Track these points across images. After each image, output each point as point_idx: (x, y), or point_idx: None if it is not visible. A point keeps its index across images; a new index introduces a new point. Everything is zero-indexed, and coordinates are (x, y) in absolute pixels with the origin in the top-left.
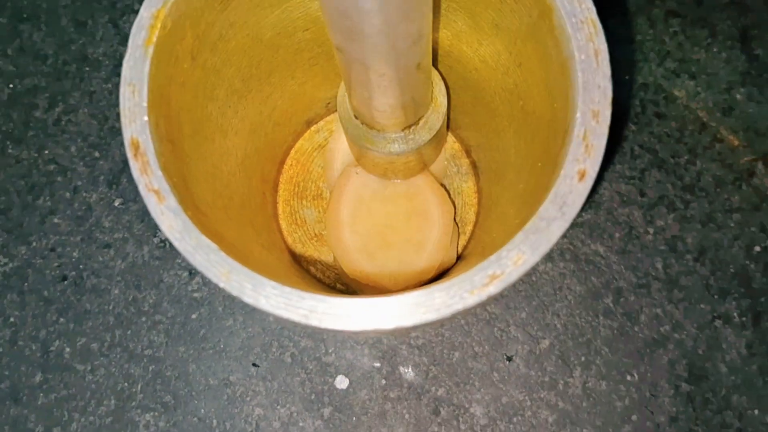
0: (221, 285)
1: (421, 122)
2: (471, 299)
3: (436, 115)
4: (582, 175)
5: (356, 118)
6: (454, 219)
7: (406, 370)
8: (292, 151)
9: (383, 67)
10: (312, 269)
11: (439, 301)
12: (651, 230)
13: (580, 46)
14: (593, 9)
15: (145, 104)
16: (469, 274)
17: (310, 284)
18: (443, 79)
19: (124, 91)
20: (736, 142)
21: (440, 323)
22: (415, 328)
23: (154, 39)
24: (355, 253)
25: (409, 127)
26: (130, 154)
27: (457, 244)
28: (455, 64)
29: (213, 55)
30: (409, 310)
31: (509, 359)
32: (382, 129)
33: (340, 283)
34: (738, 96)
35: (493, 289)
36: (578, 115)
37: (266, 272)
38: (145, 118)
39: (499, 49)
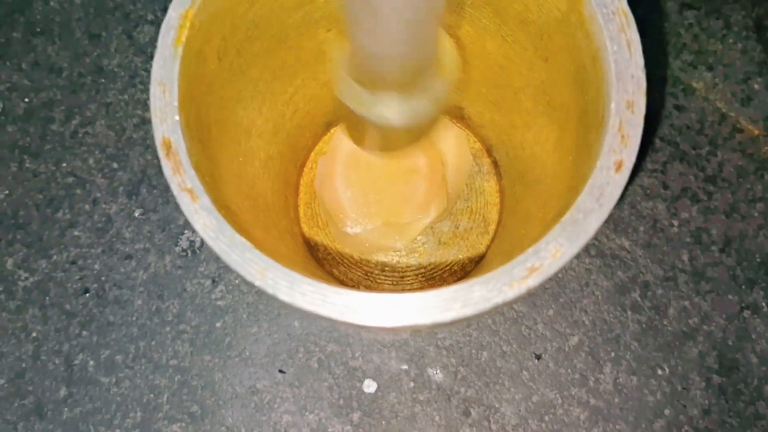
0: (257, 283)
1: (422, 88)
2: (510, 293)
3: (440, 83)
4: (619, 166)
5: (358, 83)
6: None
7: (435, 372)
8: (312, 154)
9: (386, 10)
10: (335, 272)
11: (478, 295)
12: (675, 223)
13: (613, 37)
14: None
15: (176, 103)
16: (507, 267)
17: (327, 282)
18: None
19: (155, 90)
20: (756, 132)
21: (477, 318)
22: (453, 323)
23: (183, 39)
24: (347, 207)
25: (413, 93)
26: (162, 154)
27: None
28: (478, 61)
29: (238, 57)
30: (447, 305)
31: (538, 357)
32: (377, 87)
33: (363, 285)
34: (756, 86)
35: (533, 281)
36: (612, 105)
37: (295, 268)
38: (177, 117)
39: (525, 44)
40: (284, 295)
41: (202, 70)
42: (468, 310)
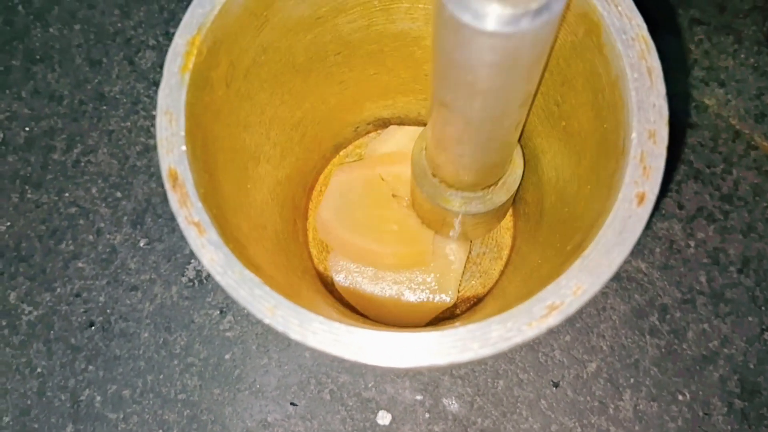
0: (266, 321)
1: (500, 182)
2: (530, 332)
3: (513, 177)
4: (641, 199)
5: (434, 176)
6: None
7: (450, 402)
8: (321, 177)
9: (488, 126)
10: (345, 298)
11: (496, 335)
12: (692, 243)
13: (633, 64)
14: (644, 26)
15: (182, 133)
16: (526, 305)
17: (344, 313)
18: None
19: (161, 120)
20: None
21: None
22: (471, 362)
23: (190, 66)
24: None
25: (489, 187)
26: (168, 186)
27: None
28: None
29: (246, 82)
30: (464, 345)
31: (556, 385)
32: (462, 188)
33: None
34: None
35: (553, 320)
36: (634, 135)
37: (306, 304)
38: (183, 147)
39: None
40: (295, 333)
41: (210, 97)
42: (486, 351)
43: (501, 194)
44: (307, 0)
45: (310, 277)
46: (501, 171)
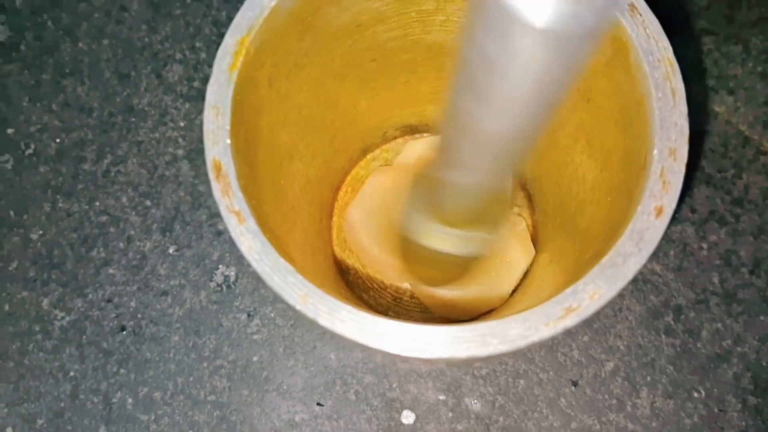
0: (298, 307)
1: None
2: (546, 331)
3: (500, 215)
4: (659, 212)
5: (430, 221)
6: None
7: (473, 401)
8: (348, 178)
9: (510, 136)
10: (364, 296)
11: (515, 333)
12: (705, 246)
13: (658, 84)
14: (670, 48)
15: (228, 127)
16: (545, 307)
17: (365, 311)
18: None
19: (209, 113)
20: None
21: (512, 354)
22: (490, 357)
23: (239, 65)
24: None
25: (481, 224)
26: (212, 176)
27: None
28: None
29: (287, 83)
30: (484, 340)
31: (575, 384)
32: (461, 225)
33: (391, 311)
34: None
35: (569, 322)
36: (656, 152)
37: (333, 295)
38: (228, 140)
39: None
40: (324, 320)
41: (254, 94)
42: (505, 347)
43: (489, 231)
44: (350, 8)
45: (333, 273)
46: (493, 210)
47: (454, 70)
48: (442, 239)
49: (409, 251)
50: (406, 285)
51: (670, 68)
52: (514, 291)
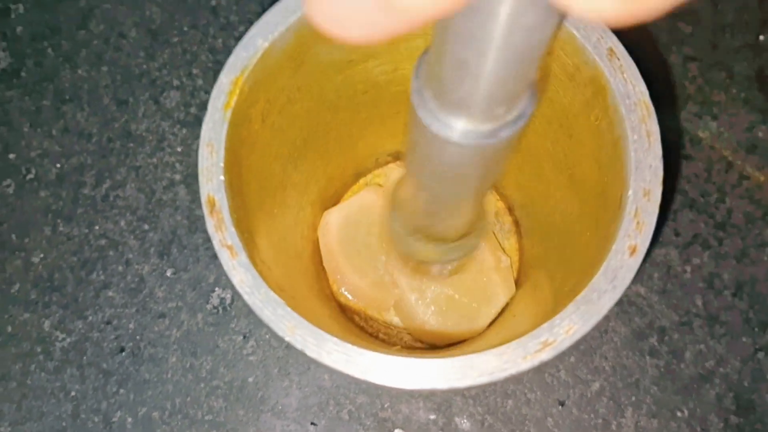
0: (287, 339)
1: (473, 231)
2: (524, 364)
3: (482, 222)
4: (633, 251)
5: (409, 235)
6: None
7: (462, 421)
8: (342, 201)
9: (469, 199)
10: (356, 318)
11: (493, 365)
12: (688, 268)
13: (633, 127)
14: (646, 92)
15: (221, 164)
16: (522, 341)
17: (356, 334)
18: None
19: (203, 151)
20: (762, 179)
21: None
22: (469, 388)
23: (233, 103)
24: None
25: (463, 236)
26: (206, 211)
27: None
28: None
29: (280, 117)
30: (464, 372)
31: (562, 404)
32: (436, 242)
33: (382, 333)
34: (760, 134)
35: (545, 356)
36: (630, 192)
37: (321, 324)
38: (222, 177)
39: (551, 119)
40: (311, 352)
41: (247, 131)
42: (483, 379)
43: (475, 239)
44: (342, 47)
45: (325, 296)
46: (474, 224)
47: (406, 154)
48: (425, 251)
49: (399, 259)
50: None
51: (646, 111)
52: (492, 323)
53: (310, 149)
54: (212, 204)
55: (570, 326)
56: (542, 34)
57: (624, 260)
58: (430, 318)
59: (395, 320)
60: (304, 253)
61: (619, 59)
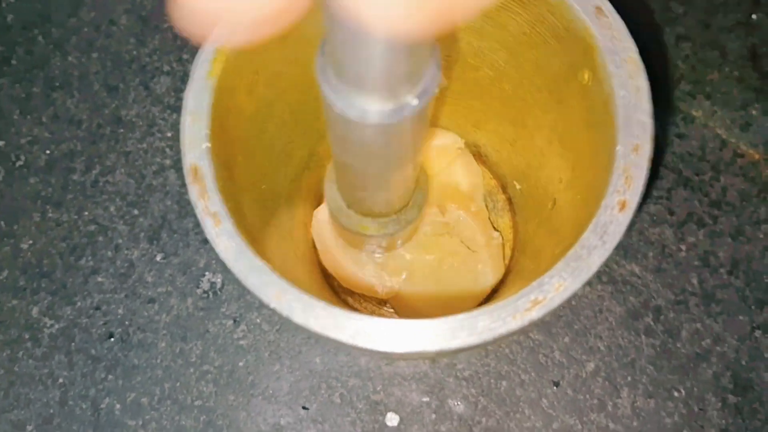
0: (272, 305)
1: (410, 203)
2: (513, 323)
3: (421, 193)
4: (622, 206)
5: (348, 208)
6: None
7: (456, 403)
8: None
9: (391, 175)
10: (349, 300)
11: (482, 325)
12: (683, 247)
13: (622, 83)
14: (635, 48)
15: (205, 132)
16: (512, 299)
17: (339, 307)
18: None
19: (186, 120)
20: (757, 156)
21: (484, 347)
22: (459, 350)
23: (217, 72)
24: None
25: (401, 209)
26: (189, 179)
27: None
28: (496, 102)
29: (267, 89)
30: (453, 333)
31: (556, 384)
32: (376, 216)
33: (376, 315)
34: (753, 112)
35: (536, 314)
36: (619, 148)
37: (310, 293)
38: (205, 144)
39: (540, 86)
40: (298, 317)
41: (232, 101)
42: (473, 339)
43: (413, 212)
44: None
45: (318, 277)
46: (409, 196)
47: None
48: (363, 224)
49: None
50: (393, 284)
51: (635, 67)
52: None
53: (298, 124)
54: (195, 171)
55: (560, 283)
56: None
57: (614, 215)
58: (417, 301)
59: (388, 305)
60: (295, 233)
61: (606, 16)
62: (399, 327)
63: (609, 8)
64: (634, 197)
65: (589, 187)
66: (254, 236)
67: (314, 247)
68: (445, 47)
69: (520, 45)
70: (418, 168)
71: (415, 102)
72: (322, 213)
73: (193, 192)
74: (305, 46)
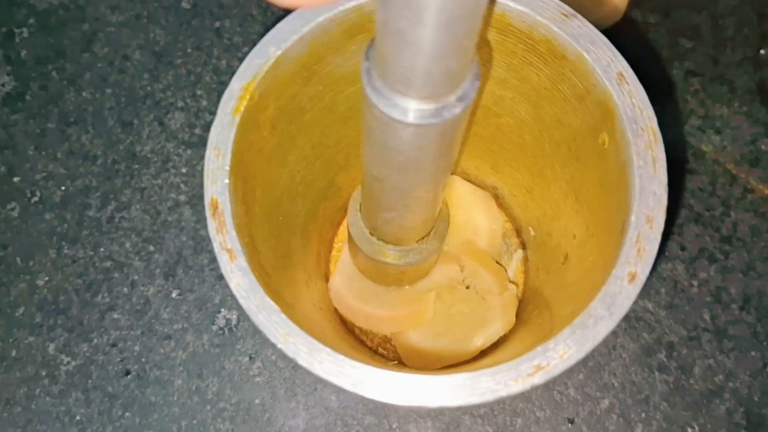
0: (279, 346)
1: (432, 232)
2: (515, 387)
3: (443, 224)
4: (632, 278)
5: (371, 234)
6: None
7: None
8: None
9: (422, 191)
10: (356, 330)
11: (485, 386)
12: (695, 283)
13: (639, 152)
14: (654, 118)
15: (227, 168)
16: (515, 363)
17: (355, 347)
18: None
19: (210, 154)
20: (767, 191)
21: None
22: (458, 409)
23: (242, 108)
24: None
25: (423, 238)
26: (208, 213)
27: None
28: (515, 149)
29: (290, 125)
30: (455, 392)
31: (571, 422)
32: (398, 243)
33: (382, 347)
34: (763, 147)
35: (538, 379)
36: (633, 218)
37: (318, 334)
38: (226, 180)
39: (559, 141)
40: (303, 360)
41: (255, 136)
42: (474, 399)
43: (434, 242)
44: (353, 58)
45: (327, 306)
46: (432, 224)
47: (362, 142)
48: (384, 252)
49: (366, 266)
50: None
51: (653, 137)
52: (487, 351)
53: (318, 158)
54: (215, 206)
55: (564, 351)
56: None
57: (623, 287)
58: (422, 340)
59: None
60: (308, 261)
61: (628, 84)
62: (401, 380)
63: (631, 75)
64: (644, 270)
65: (602, 250)
66: (267, 271)
67: (326, 272)
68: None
69: (542, 99)
70: (444, 189)
71: (455, 104)
72: (335, 283)
73: (212, 227)
74: (328, 84)
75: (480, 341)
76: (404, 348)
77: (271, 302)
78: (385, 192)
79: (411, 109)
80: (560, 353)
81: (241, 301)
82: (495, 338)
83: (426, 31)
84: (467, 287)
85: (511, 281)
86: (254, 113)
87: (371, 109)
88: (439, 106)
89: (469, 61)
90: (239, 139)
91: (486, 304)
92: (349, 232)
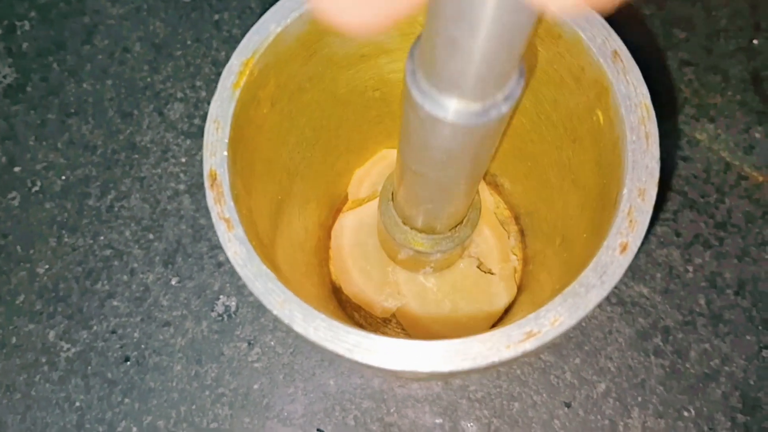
0: (275, 312)
1: (465, 220)
2: (506, 353)
3: (475, 212)
4: (624, 248)
5: (404, 224)
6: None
7: (469, 425)
8: (349, 201)
9: (462, 185)
10: (356, 315)
11: (476, 351)
12: (690, 268)
13: (633, 127)
14: (647, 95)
15: (226, 140)
16: (507, 329)
17: (340, 321)
18: None
19: (210, 126)
20: (761, 178)
21: (479, 372)
22: (451, 374)
23: (242, 83)
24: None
25: (456, 227)
26: (207, 184)
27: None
28: (513, 135)
29: (290, 104)
30: (447, 357)
31: (568, 405)
32: (432, 232)
33: (380, 331)
34: (756, 135)
35: (529, 345)
36: (625, 191)
37: (315, 307)
38: (225, 152)
39: (556, 123)
40: (298, 326)
41: (255, 112)
42: (466, 364)
43: (467, 229)
44: (354, 39)
45: (326, 290)
46: (466, 212)
47: (401, 139)
48: (418, 240)
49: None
50: (391, 305)
51: (646, 113)
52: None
53: (318, 141)
54: (214, 177)
55: (556, 318)
56: (528, 13)
57: (614, 257)
58: (432, 324)
59: (393, 322)
60: (307, 245)
61: (622, 61)
62: (396, 346)
63: (626, 53)
64: (636, 240)
65: (594, 226)
66: (265, 244)
67: (325, 258)
68: None
69: (539, 81)
70: (481, 179)
71: (502, 102)
72: (348, 219)
73: (210, 197)
74: (327, 65)
75: (488, 321)
76: (410, 325)
77: (268, 270)
78: (424, 186)
79: (458, 110)
80: (551, 320)
81: (239, 269)
82: (502, 311)
83: (479, 41)
84: (466, 258)
85: (510, 251)
86: (254, 89)
87: (415, 110)
88: (486, 106)
89: (517, 63)
90: (239, 113)
91: (488, 279)
92: (379, 221)
